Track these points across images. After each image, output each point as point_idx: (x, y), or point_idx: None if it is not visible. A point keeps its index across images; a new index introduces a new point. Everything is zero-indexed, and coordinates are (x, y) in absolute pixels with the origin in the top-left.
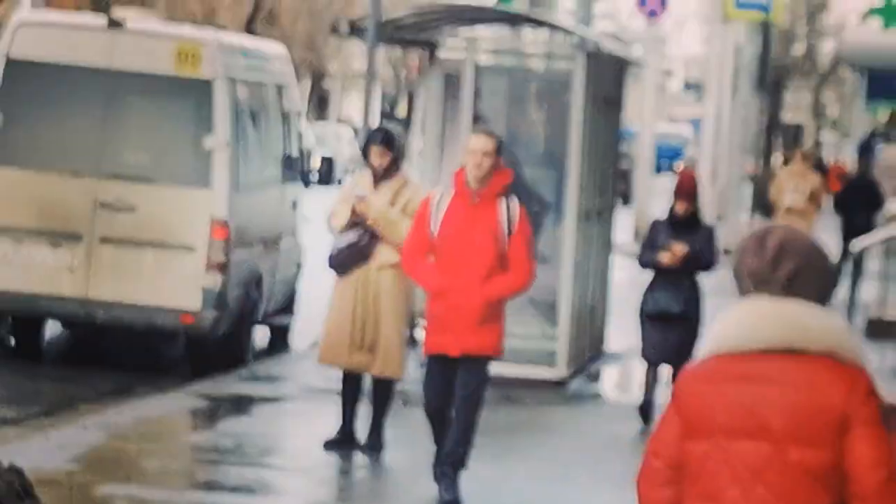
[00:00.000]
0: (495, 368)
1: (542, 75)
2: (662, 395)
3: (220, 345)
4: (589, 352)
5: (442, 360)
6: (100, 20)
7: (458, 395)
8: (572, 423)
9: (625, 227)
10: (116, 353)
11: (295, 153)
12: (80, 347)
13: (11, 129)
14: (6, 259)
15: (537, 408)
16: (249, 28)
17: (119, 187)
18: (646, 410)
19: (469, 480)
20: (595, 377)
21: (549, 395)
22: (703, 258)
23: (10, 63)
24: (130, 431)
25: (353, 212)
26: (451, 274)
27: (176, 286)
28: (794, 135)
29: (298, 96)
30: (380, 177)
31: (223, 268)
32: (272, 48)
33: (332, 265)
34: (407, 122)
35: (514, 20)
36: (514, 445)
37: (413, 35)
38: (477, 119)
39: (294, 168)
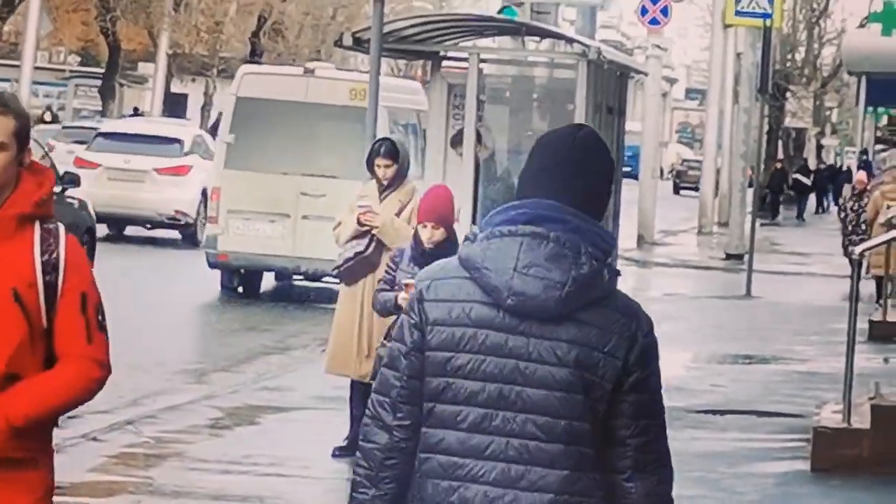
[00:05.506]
0: None
1: (545, 84)
2: None
3: None
4: None
5: None
6: (298, 69)
7: None
8: None
9: (629, 234)
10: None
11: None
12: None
13: (242, 145)
14: (240, 231)
15: None
16: (254, 41)
17: (314, 182)
18: None
19: None
20: None
21: None
22: None
23: (239, 100)
24: (138, 442)
25: (359, 222)
26: None
27: None
28: (795, 140)
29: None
30: (385, 187)
31: None
32: (412, 85)
33: (338, 275)
34: None
35: (517, 31)
36: None
37: (416, 46)
38: (480, 130)
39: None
